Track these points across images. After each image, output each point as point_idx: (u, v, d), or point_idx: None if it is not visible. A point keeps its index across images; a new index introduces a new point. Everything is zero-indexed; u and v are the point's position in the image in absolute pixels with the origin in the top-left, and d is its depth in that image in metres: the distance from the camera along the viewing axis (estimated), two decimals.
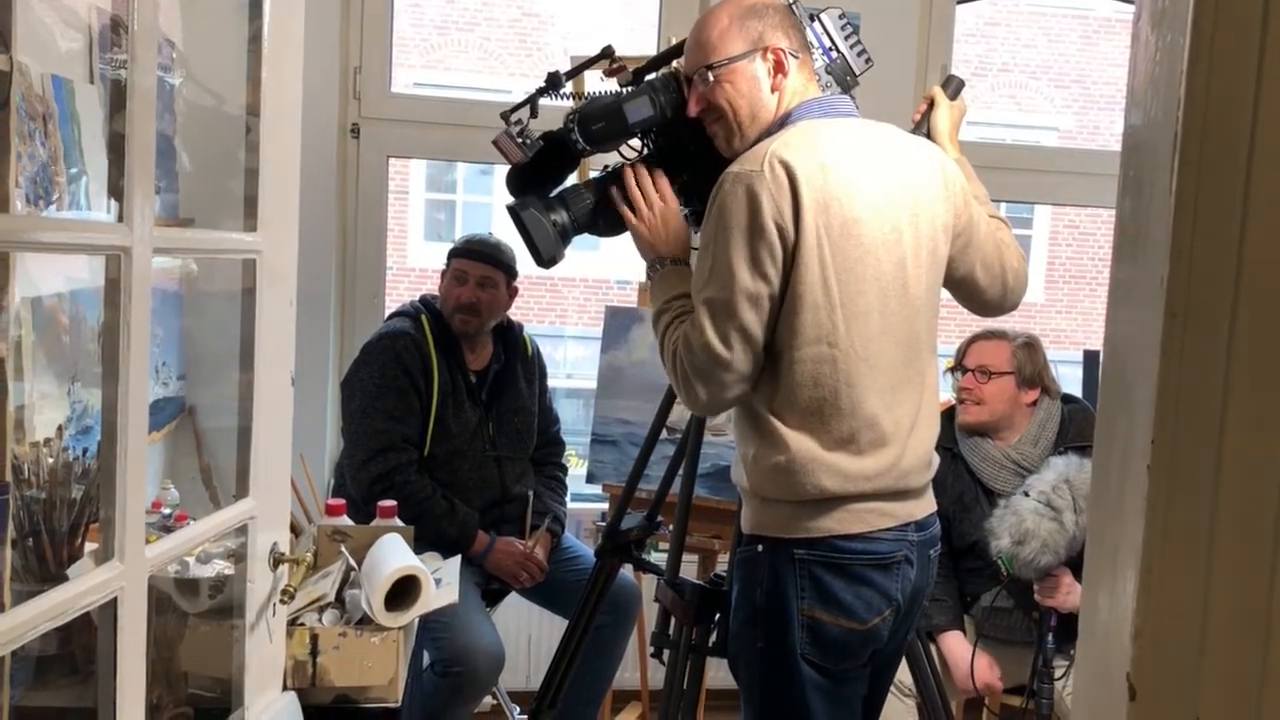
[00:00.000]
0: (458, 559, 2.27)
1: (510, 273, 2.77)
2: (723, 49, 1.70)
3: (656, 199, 1.79)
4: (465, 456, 2.69)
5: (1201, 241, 0.73)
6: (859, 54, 1.85)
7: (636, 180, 1.80)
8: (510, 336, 2.86)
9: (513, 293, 2.80)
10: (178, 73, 2.32)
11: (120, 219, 1.25)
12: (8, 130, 1.52)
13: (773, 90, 1.71)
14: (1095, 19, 10.90)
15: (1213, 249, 0.73)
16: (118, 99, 1.28)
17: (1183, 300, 0.73)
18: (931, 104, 1.94)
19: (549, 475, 2.92)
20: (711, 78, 1.70)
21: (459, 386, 2.70)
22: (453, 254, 2.79)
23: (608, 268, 9.78)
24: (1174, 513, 0.74)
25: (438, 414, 2.65)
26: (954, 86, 1.96)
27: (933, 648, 2.49)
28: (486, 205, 10.72)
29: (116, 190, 1.26)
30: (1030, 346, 2.62)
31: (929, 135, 1.92)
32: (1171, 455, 0.74)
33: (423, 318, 2.72)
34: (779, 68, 1.70)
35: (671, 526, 2.09)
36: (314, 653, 1.82)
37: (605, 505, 3.00)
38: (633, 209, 1.80)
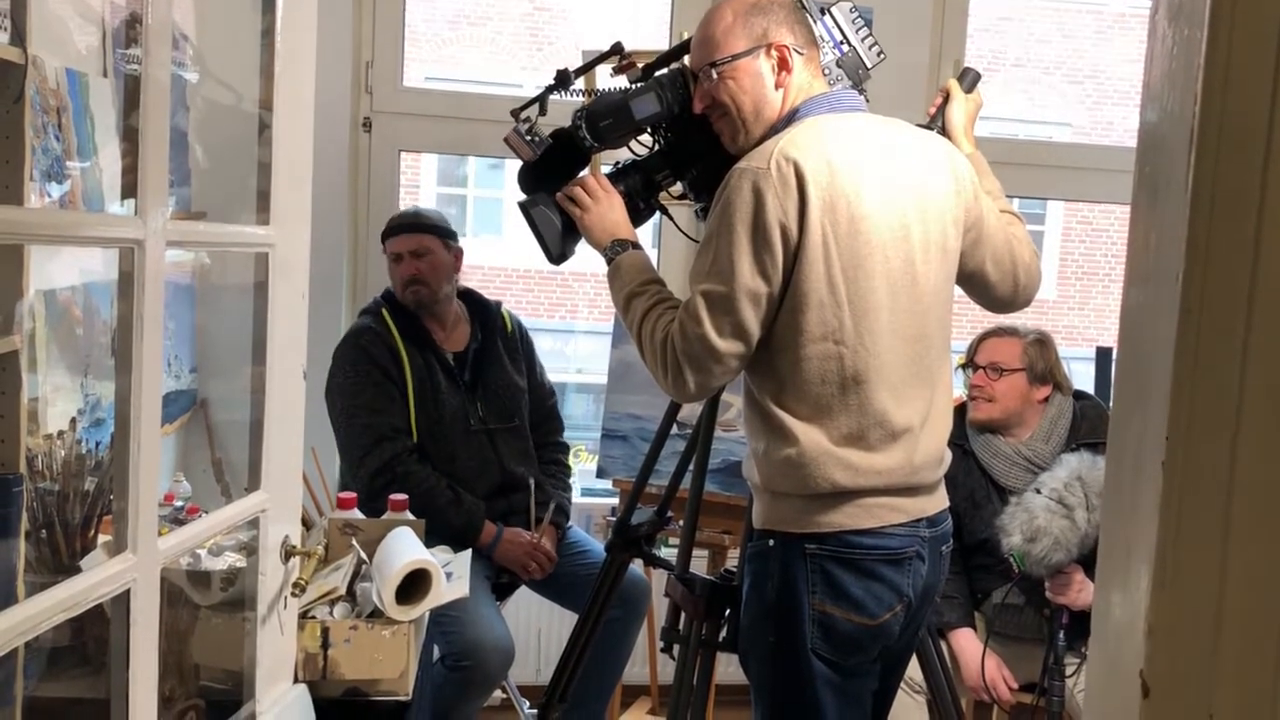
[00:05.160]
0: (468, 552, 2.27)
1: (441, 234, 2.75)
2: (726, 46, 1.70)
3: (600, 191, 1.81)
4: (457, 441, 2.69)
5: (1217, 237, 0.72)
6: (871, 47, 1.84)
7: (579, 182, 1.83)
8: (486, 315, 2.85)
9: (456, 254, 2.78)
10: (192, 67, 2.33)
11: (134, 212, 1.25)
12: (22, 124, 1.53)
13: (777, 87, 1.71)
14: (1110, 13, 10.84)
15: (1228, 245, 0.73)
16: (132, 93, 1.29)
17: (1198, 296, 0.73)
18: (947, 97, 1.93)
19: (550, 460, 2.92)
20: (715, 75, 1.70)
21: (434, 370, 2.69)
22: (382, 240, 2.79)
23: None
24: (1188, 509, 0.74)
25: (417, 399, 2.65)
26: (970, 80, 1.95)
27: (943, 645, 2.49)
28: (498, 200, 10.73)
29: (130, 184, 1.26)
30: (1042, 343, 2.61)
31: (944, 129, 1.91)
32: (1186, 452, 0.74)
33: (383, 310, 2.73)
34: (783, 64, 1.70)
35: (682, 522, 2.09)
36: (325, 645, 1.82)
37: (615, 500, 3.00)
38: (579, 206, 1.81)
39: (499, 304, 2.92)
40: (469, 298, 2.88)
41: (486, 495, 2.70)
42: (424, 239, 2.72)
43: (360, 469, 2.61)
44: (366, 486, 2.57)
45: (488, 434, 2.74)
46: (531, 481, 2.79)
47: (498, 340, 2.84)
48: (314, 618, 1.84)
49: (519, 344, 2.90)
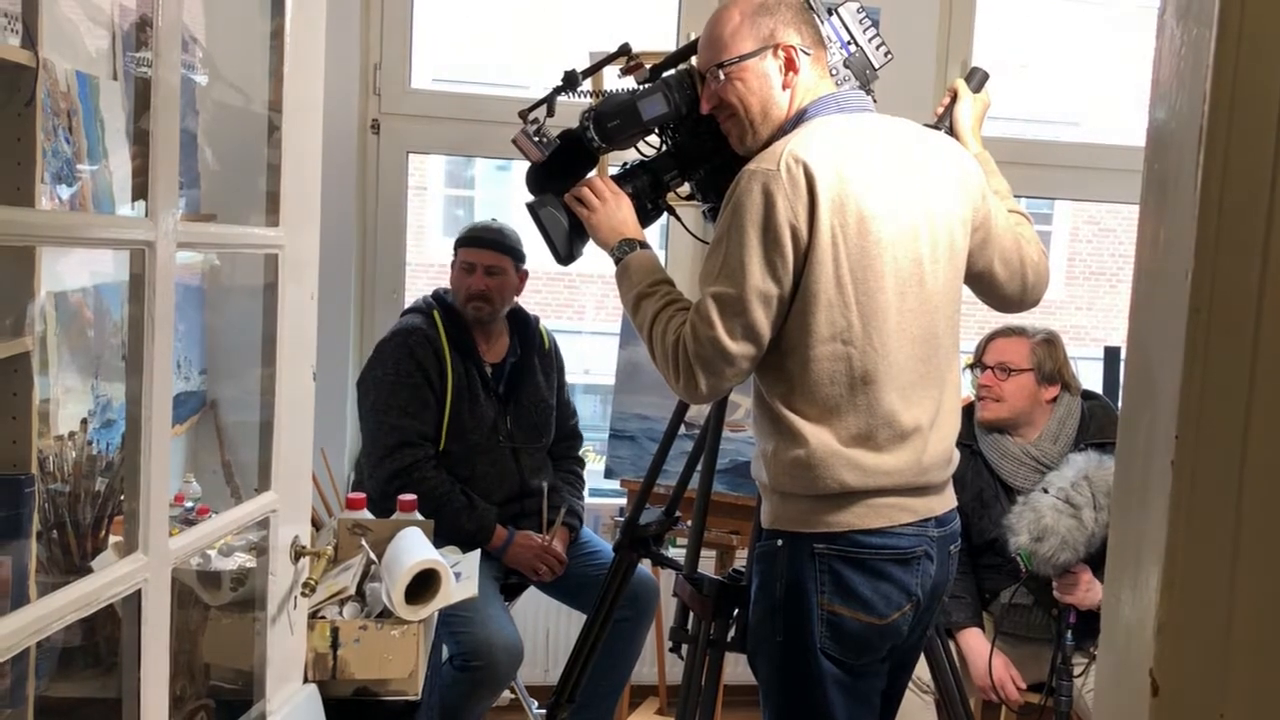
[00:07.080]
0: (477, 553, 2.28)
1: (517, 257, 2.77)
2: (734, 47, 1.70)
3: (607, 191, 1.81)
4: (482, 451, 2.69)
5: (1227, 236, 0.72)
6: (878, 47, 1.84)
7: (586, 183, 1.83)
8: (526, 330, 2.86)
9: (522, 277, 2.80)
10: (201, 70, 2.34)
11: (145, 214, 1.26)
12: (33, 127, 1.53)
13: (784, 88, 1.71)
14: (1119, 12, 10.81)
15: (1238, 244, 0.73)
16: (142, 95, 1.29)
17: (1207, 295, 0.73)
18: (954, 97, 1.93)
19: (566, 469, 2.93)
20: (723, 76, 1.70)
21: (474, 380, 2.70)
22: (458, 244, 2.79)
23: None
24: (1198, 508, 0.74)
25: (453, 408, 2.66)
26: (977, 79, 1.95)
27: (952, 645, 2.48)
28: (505, 201, 10.74)
29: (140, 186, 1.27)
30: (1050, 343, 2.61)
31: (951, 128, 1.91)
32: (1195, 451, 0.74)
33: (435, 313, 2.73)
34: (790, 65, 1.70)
35: (690, 522, 2.09)
36: (334, 645, 1.83)
37: (623, 500, 3.00)
38: (586, 206, 1.82)
39: (538, 319, 2.92)
40: (511, 311, 2.87)
41: (501, 502, 2.71)
42: (502, 258, 2.73)
43: (379, 469, 2.62)
44: (381, 487, 2.57)
45: (513, 450, 2.74)
46: (544, 485, 2.79)
47: (534, 356, 2.85)
48: (324, 618, 1.85)
49: (553, 362, 2.91)
